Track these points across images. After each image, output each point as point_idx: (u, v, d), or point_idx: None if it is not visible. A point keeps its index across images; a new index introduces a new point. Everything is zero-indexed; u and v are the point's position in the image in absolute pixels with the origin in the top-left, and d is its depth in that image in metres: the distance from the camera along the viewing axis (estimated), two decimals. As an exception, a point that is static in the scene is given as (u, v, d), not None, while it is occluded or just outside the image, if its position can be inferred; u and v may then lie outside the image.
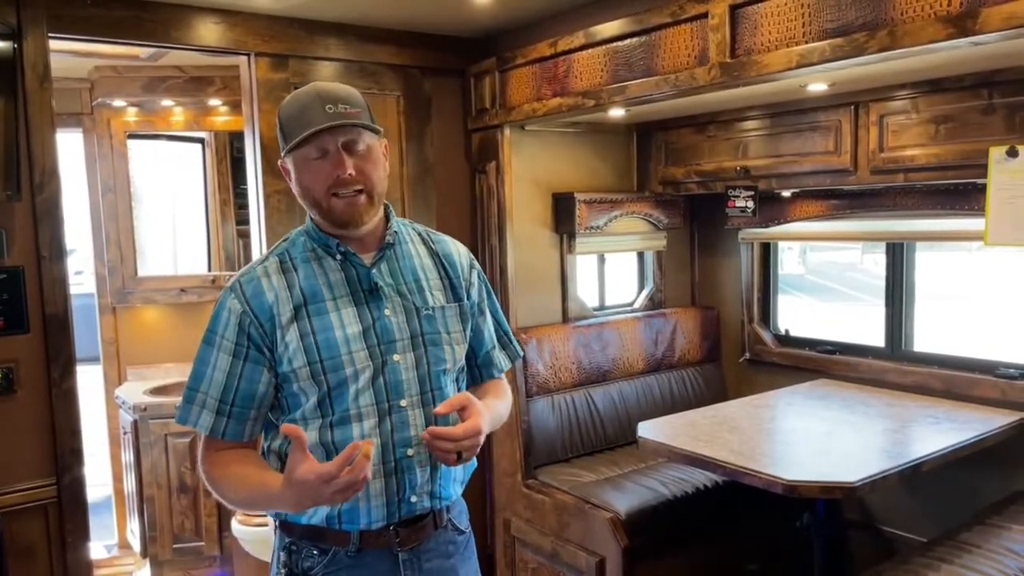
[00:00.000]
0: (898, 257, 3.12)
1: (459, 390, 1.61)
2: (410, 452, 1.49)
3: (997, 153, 2.35)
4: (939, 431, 2.56)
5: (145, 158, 4.14)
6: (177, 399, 3.79)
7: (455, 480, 1.59)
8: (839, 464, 2.32)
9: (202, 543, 3.78)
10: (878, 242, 3.19)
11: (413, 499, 1.51)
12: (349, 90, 1.50)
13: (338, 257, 1.53)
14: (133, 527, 3.92)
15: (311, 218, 1.56)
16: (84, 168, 4.01)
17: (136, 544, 3.88)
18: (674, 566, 2.76)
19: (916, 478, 2.37)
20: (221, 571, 3.79)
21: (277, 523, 1.57)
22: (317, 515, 1.49)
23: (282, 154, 1.51)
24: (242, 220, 4.33)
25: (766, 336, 3.56)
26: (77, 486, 2.55)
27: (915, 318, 3.14)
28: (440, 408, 1.45)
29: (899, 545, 3.00)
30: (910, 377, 3.02)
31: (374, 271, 1.53)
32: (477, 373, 1.71)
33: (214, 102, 3.98)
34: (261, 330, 1.47)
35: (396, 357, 1.49)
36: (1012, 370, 2.76)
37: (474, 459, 1.65)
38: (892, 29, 1.88)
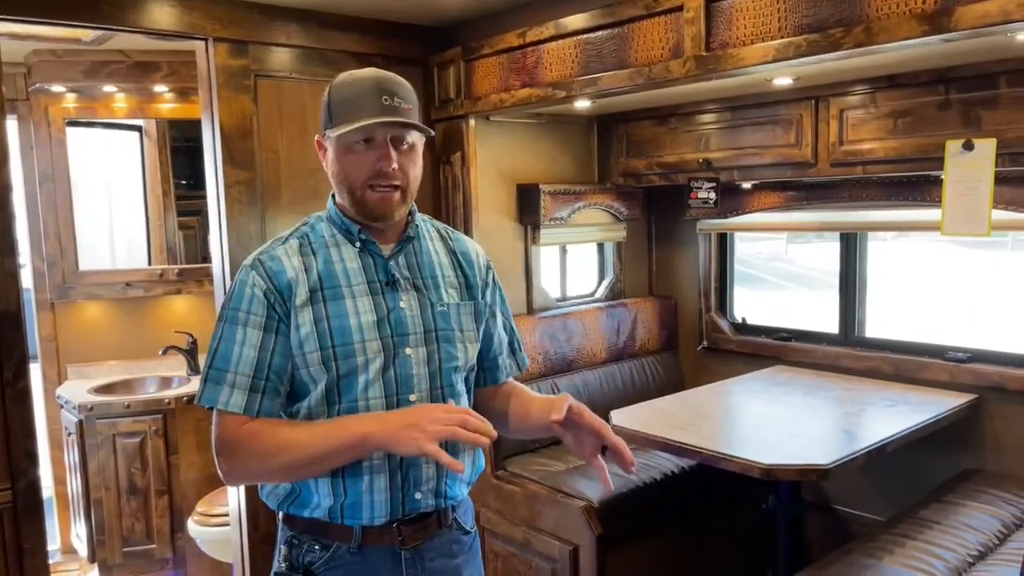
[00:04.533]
0: (851, 247, 3.23)
1: (469, 389, 1.61)
2: None
3: (954, 147, 2.45)
4: (896, 413, 2.67)
5: (81, 146, 3.96)
6: (124, 398, 3.72)
7: (462, 481, 1.57)
8: (810, 447, 2.40)
9: (153, 546, 3.66)
10: (833, 232, 3.30)
11: (418, 496, 1.49)
12: (406, 85, 1.48)
13: (357, 245, 1.50)
14: (79, 531, 3.76)
15: (334, 203, 1.54)
16: (19, 157, 3.82)
17: (82, 549, 3.73)
18: (644, 551, 2.80)
19: (869, 459, 2.48)
20: (174, 573, 3.68)
21: (280, 516, 1.54)
22: (320, 507, 1.46)
23: (323, 131, 1.49)
24: (183, 212, 4.20)
25: (723, 324, 3.65)
26: (33, 490, 2.43)
27: (867, 305, 3.27)
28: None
29: (854, 524, 3.12)
30: (863, 362, 3.14)
31: (392, 262, 1.52)
32: (482, 377, 1.69)
33: (160, 88, 3.82)
34: (284, 307, 1.44)
35: (408, 350, 1.47)
36: (960, 354, 2.90)
37: (482, 461, 1.64)
38: (868, 25, 1.93)
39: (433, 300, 1.53)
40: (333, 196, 1.56)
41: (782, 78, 2.61)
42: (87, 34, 3.30)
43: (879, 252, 3.48)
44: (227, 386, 1.42)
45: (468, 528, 1.63)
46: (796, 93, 2.85)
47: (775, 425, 2.66)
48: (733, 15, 2.21)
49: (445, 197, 3.23)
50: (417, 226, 1.58)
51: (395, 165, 1.44)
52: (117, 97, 3.85)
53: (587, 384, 3.41)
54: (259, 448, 1.40)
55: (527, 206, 3.34)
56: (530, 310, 3.40)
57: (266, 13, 2.86)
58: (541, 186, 3.30)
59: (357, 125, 1.40)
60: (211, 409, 1.44)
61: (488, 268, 1.69)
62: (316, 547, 1.48)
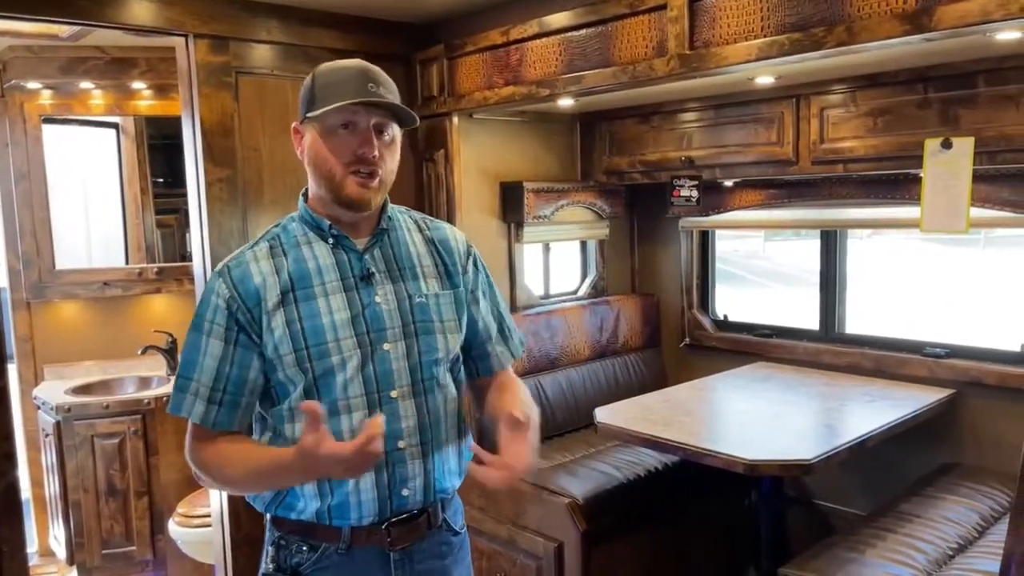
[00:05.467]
0: (832, 244, 3.26)
1: (455, 381, 1.58)
2: (401, 444, 1.46)
3: (932, 145, 2.48)
4: (877, 408, 2.70)
5: (57, 144, 3.90)
6: (103, 398, 3.68)
7: (451, 471, 1.56)
8: (793, 443, 2.42)
9: (133, 547, 3.63)
10: (812, 229, 3.33)
11: (404, 492, 1.47)
12: (390, 80, 1.47)
13: (330, 241, 1.48)
14: (57, 533, 3.71)
15: (306, 199, 1.52)
16: (-6, 154, 3.76)
17: (61, 551, 3.68)
18: (628, 547, 2.81)
19: (850, 454, 2.51)
20: (154, 574, 3.65)
21: (268, 517, 1.53)
22: (307, 510, 1.46)
23: (302, 116, 1.46)
24: (161, 210, 4.16)
25: (705, 321, 3.67)
26: (12, 492, 2.35)
27: (847, 302, 3.30)
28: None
29: (835, 519, 3.15)
30: (843, 358, 3.17)
31: (366, 256, 1.49)
32: (473, 367, 1.66)
33: (138, 85, 3.78)
34: (249, 315, 1.42)
35: (386, 346, 1.46)
36: (939, 349, 2.94)
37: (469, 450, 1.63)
38: (850, 25, 1.95)
39: (411, 292, 1.51)
40: (304, 194, 1.53)
41: (764, 77, 2.63)
42: (64, 30, 3.25)
43: (856, 249, 3.53)
44: (191, 395, 1.43)
45: (458, 528, 1.62)
46: (778, 92, 2.87)
47: (757, 421, 2.68)
48: (716, 14, 2.22)
49: (428, 195, 3.22)
50: (391, 218, 1.55)
51: (376, 152, 1.41)
52: (94, 94, 3.80)
53: (571, 382, 3.42)
54: (214, 470, 1.47)
55: (510, 204, 3.34)
56: (514, 308, 3.40)
57: (247, 9, 2.83)
58: (524, 184, 3.30)
59: (344, 103, 1.37)
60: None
61: (469, 252, 1.64)
62: (304, 548, 1.48)
